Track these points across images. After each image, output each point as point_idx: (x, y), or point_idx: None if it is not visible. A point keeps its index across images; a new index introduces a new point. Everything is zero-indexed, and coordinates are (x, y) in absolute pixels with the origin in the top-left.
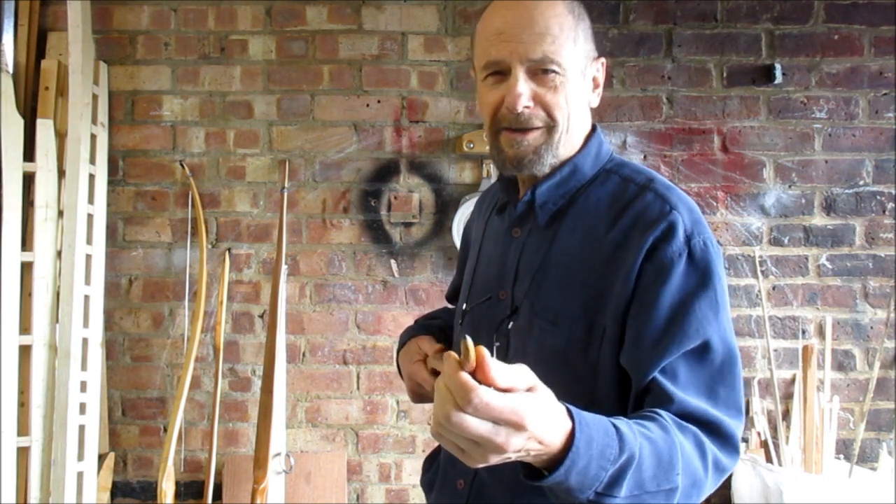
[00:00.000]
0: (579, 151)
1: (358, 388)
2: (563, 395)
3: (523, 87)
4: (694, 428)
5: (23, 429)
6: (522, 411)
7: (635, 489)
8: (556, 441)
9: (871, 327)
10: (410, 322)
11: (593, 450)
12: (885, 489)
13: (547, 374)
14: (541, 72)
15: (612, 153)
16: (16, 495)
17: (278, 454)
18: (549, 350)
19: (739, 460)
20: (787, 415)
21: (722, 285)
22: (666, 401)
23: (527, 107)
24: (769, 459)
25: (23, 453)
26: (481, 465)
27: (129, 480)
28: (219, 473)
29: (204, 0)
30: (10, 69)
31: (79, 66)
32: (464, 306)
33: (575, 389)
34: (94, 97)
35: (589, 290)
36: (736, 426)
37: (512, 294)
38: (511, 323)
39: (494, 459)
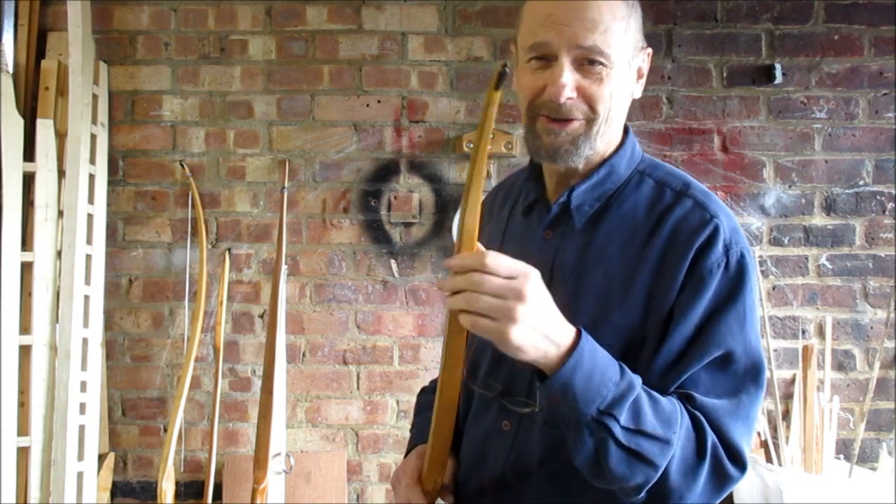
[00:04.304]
0: (616, 152)
1: (358, 388)
2: None
3: (568, 78)
4: (701, 416)
5: (23, 429)
6: (521, 276)
7: (632, 423)
8: (563, 333)
9: (871, 327)
10: (410, 322)
11: (597, 361)
12: (885, 489)
13: None
14: (587, 63)
15: (642, 153)
16: (16, 495)
17: (278, 454)
18: None
19: None
20: (787, 415)
21: (752, 297)
22: (687, 399)
23: (569, 98)
24: (769, 459)
25: (23, 453)
26: (513, 342)
27: (129, 480)
28: (219, 473)
29: (204, 0)
30: (10, 69)
31: (79, 66)
32: None
33: None
34: (94, 97)
35: (631, 299)
36: (745, 441)
37: None
38: None
39: (515, 332)
